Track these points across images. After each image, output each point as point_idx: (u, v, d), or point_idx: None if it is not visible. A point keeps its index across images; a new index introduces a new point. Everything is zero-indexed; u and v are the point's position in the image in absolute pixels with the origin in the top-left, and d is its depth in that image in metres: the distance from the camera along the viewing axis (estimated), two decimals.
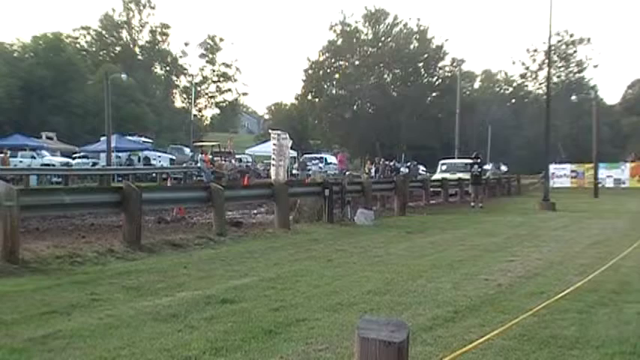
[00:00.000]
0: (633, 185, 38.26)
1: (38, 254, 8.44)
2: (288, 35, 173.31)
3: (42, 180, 30.24)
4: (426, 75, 74.55)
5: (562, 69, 74.76)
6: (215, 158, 39.80)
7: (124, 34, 74.99)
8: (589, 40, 75.65)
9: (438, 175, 28.02)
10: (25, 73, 53.10)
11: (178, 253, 9.46)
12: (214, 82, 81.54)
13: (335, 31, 74.30)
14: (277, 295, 6.38)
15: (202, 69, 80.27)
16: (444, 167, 29.87)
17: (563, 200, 22.86)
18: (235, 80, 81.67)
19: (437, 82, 73.89)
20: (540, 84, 71.73)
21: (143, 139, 48.76)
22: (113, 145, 35.33)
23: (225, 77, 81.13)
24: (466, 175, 24.33)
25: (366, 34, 74.77)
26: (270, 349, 4.57)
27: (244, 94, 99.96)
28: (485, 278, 7.48)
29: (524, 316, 5.00)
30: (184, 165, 38.88)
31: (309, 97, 74.81)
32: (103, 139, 37.16)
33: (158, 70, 78.45)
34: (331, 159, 51.51)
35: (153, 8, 74.66)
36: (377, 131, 66.58)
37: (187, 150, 49.50)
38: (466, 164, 25.54)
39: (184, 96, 79.75)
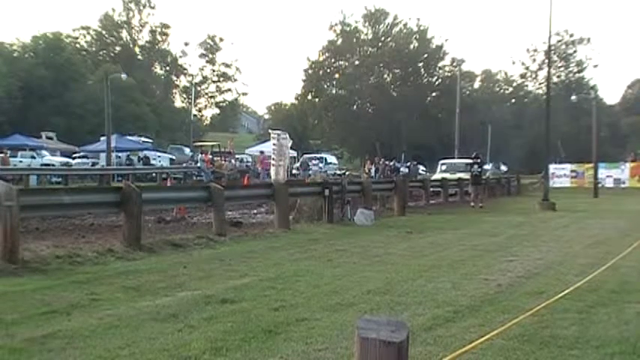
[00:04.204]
0: (633, 185, 38.22)
1: (38, 254, 8.43)
2: (288, 35, 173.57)
3: (42, 180, 30.23)
4: (425, 75, 74.58)
5: (562, 69, 74.80)
6: (215, 158, 39.79)
7: (124, 34, 74.99)
8: (589, 40, 75.81)
9: (437, 175, 28.00)
10: (25, 73, 53.10)
11: (178, 253, 9.45)
12: (214, 82, 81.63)
13: (335, 31, 74.44)
14: (277, 295, 6.38)
15: (202, 69, 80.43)
16: (443, 167, 29.86)
17: (563, 200, 22.85)
18: (235, 80, 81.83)
19: (437, 82, 73.94)
20: (540, 84, 71.75)
21: (143, 139, 48.75)
22: (113, 145, 35.33)
23: (225, 77, 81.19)
24: (466, 175, 24.33)
25: (366, 34, 74.82)
26: (270, 349, 4.57)
27: (244, 94, 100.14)
28: (485, 278, 7.48)
29: (524, 316, 5.01)
30: (184, 165, 38.89)
31: (309, 97, 74.84)
32: (102, 139, 37.17)
33: (158, 70, 78.46)
34: (331, 159, 51.55)
35: (153, 8, 74.78)
36: (377, 131, 66.59)
37: (187, 150, 49.50)
38: (466, 164, 25.52)
39: (184, 96, 79.81)
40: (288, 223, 13.18)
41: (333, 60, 74.43)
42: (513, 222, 16.06)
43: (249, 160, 49.50)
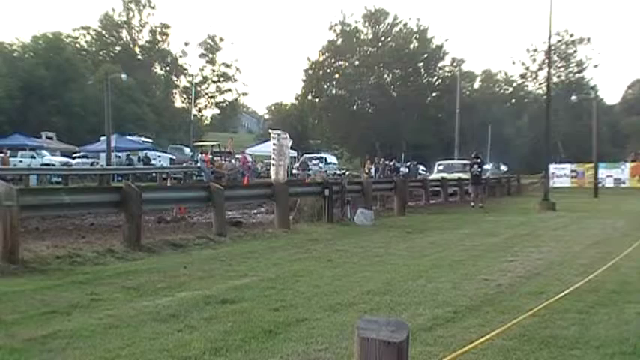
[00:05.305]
0: (633, 185, 38.23)
1: (38, 254, 8.43)
2: (288, 35, 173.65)
3: (42, 180, 30.22)
4: (426, 75, 74.55)
5: (562, 69, 74.73)
6: (215, 158, 39.76)
7: (124, 34, 74.97)
8: (589, 40, 75.71)
9: (435, 176, 27.91)
10: (25, 73, 53.04)
11: (178, 253, 9.46)
12: (214, 82, 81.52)
13: (335, 31, 74.38)
14: (277, 295, 6.38)
15: (202, 69, 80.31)
16: (440, 168, 29.81)
17: (563, 200, 22.85)
18: (235, 80, 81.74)
19: (437, 82, 73.90)
20: (540, 84, 71.68)
21: (143, 139, 48.75)
22: (113, 145, 35.33)
23: (225, 77, 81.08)
24: (465, 175, 24.32)
25: (366, 34, 74.79)
26: (270, 349, 4.57)
27: (244, 94, 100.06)
28: (485, 278, 7.48)
29: (524, 316, 5.00)
30: (184, 165, 38.88)
31: (309, 97, 74.81)
32: (102, 139, 37.18)
33: (158, 70, 78.40)
34: (331, 159, 51.52)
35: (153, 8, 74.72)
36: (377, 131, 66.60)
37: (187, 150, 49.49)
38: (463, 165, 25.50)
39: (184, 96, 79.70)
40: (288, 223, 13.18)
41: (333, 60, 74.38)
42: (513, 222, 16.06)
43: (249, 159, 49.47)
